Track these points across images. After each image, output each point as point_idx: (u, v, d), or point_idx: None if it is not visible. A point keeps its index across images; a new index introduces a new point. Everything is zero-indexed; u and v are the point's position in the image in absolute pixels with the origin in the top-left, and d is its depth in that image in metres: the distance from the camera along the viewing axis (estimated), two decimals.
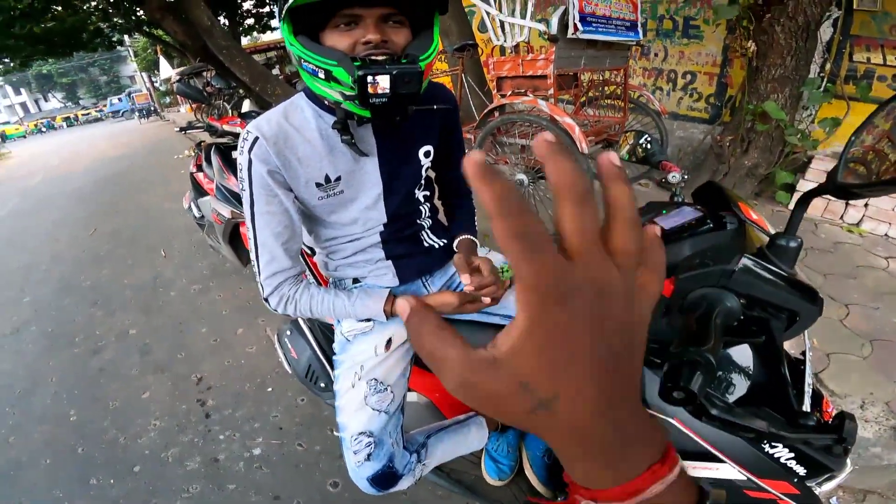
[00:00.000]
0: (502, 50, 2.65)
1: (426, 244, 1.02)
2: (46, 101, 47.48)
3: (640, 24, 2.62)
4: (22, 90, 46.13)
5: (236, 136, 2.30)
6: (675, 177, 1.01)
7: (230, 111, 10.66)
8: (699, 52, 3.56)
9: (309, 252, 1.37)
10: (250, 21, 13.15)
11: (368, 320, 1.00)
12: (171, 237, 4.08)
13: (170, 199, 5.30)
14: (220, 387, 2.07)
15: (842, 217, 2.87)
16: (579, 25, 2.18)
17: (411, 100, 0.72)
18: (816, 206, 2.90)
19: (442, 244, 1.04)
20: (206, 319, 2.65)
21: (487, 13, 2.50)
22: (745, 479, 0.62)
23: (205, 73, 12.46)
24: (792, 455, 0.60)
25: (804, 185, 2.93)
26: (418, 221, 0.99)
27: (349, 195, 0.88)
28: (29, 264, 4.04)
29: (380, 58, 0.70)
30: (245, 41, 13.32)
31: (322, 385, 1.47)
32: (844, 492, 1.42)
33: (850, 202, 2.78)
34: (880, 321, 1.94)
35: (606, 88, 3.10)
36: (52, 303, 3.18)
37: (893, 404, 1.55)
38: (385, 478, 0.97)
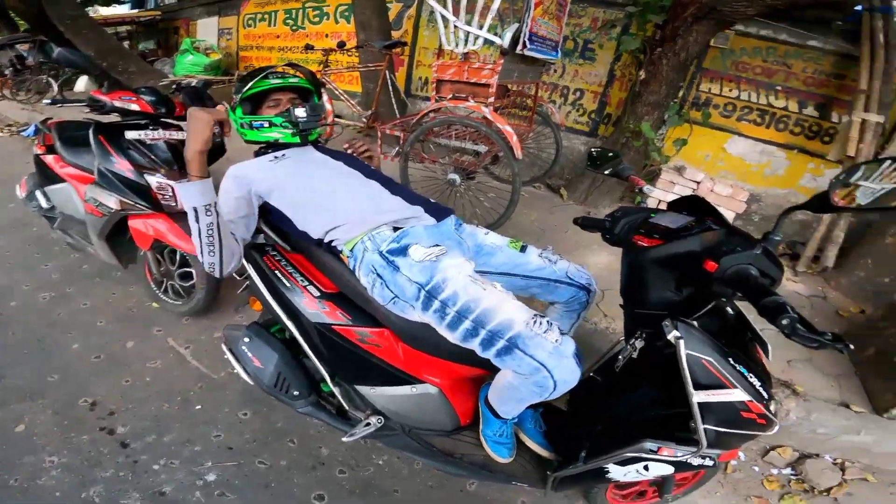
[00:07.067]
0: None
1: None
2: None
3: (559, 46, 2.91)
4: None
5: (126, 113, 1.91)
6: (650, 189, 1.34)
7: (55, 88, 8.71)
8: (590, 73, 4.05)
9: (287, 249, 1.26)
10: None
11: (437, 245, 1.12)
12: None
13: None
14: (127, 410, 1.68)
15: None
16: (528, 43, 2.36)
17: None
18: None
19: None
20: (76, 333, 2.11)
21: (445, 18, 2.50)
22: (744, 401, 0.91)
23: (17, 46, 10.02)
24: (761, 384, 0.92)
25: (653, 192, 3.54)
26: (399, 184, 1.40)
27: (295, 162, 1.36)
28: None
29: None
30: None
31: (295, 393, 1.32)
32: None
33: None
34: None
35: (516, 99, 3.35)
36: None
37: None
38: (580, 352, 0.97)
